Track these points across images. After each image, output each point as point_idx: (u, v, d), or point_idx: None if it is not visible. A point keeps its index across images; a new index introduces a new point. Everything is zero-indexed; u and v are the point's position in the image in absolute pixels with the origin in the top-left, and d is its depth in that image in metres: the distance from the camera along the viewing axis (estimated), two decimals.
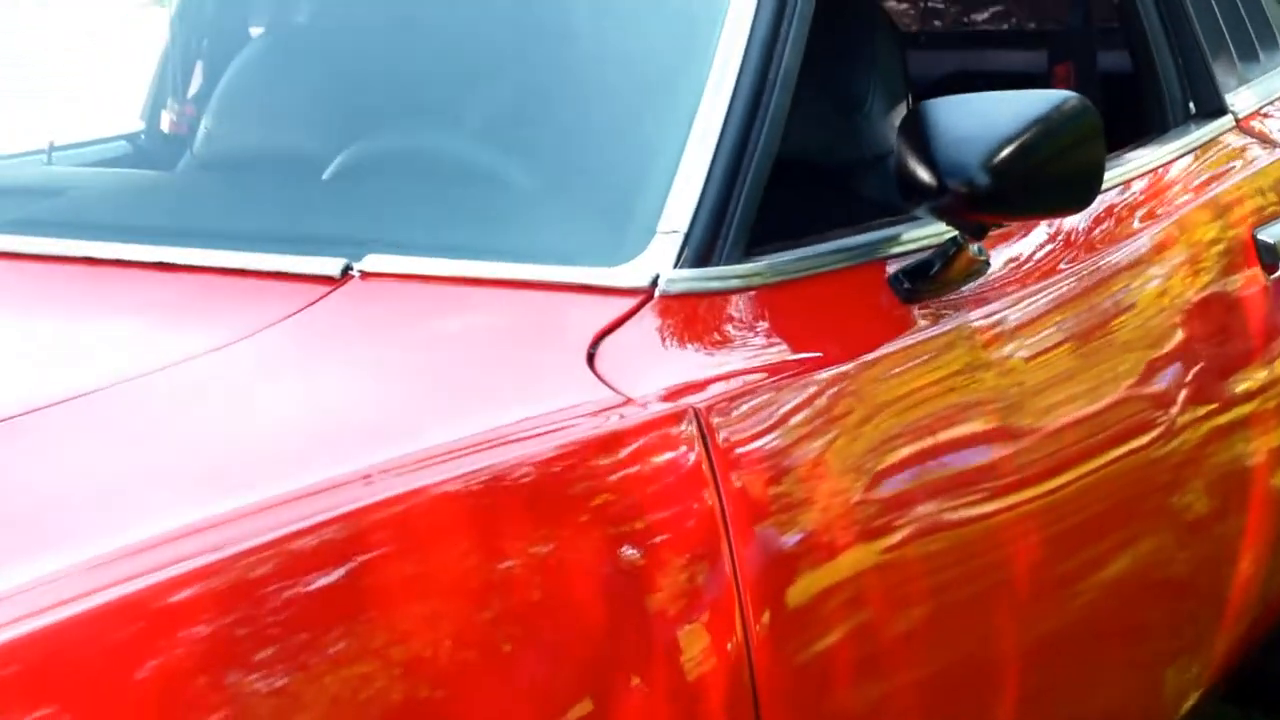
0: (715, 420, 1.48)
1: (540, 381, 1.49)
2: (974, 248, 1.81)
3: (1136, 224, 2.28)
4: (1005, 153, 1.70)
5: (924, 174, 1.71)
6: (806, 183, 2.36)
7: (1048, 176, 1.76)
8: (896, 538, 1.66)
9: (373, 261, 1.63)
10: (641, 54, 1.90)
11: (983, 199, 1.70)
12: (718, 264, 1.65)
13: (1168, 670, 2.30)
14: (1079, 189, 1.80)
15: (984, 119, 1.73)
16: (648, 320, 1.57)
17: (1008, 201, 1.73)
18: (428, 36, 2.05)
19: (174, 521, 1.18)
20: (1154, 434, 2.13)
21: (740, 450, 1.50)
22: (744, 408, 1.54)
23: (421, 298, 1.61)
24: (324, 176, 1.94)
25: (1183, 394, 2.21)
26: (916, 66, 2.98)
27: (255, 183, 1.99)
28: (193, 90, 2.53)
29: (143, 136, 2.66)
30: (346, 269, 1.62)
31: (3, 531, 1.19)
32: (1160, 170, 2.42)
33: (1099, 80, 2.72)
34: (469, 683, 1.23)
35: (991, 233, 1.89)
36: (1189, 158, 2.49)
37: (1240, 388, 2.36)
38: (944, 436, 1.75)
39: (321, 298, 1.59)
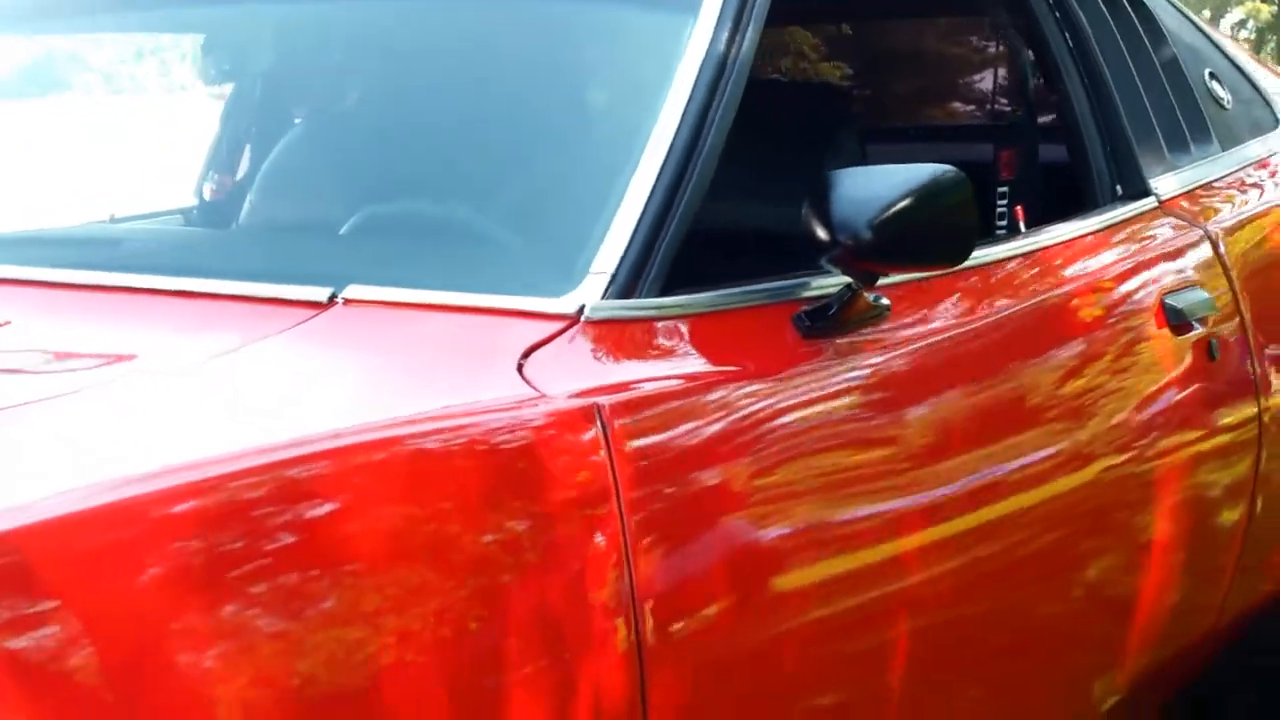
0: (617, 418, 1.80)
1: (475, 380, 1.82)
2: (870, 295, 2.12)
3: (1048, 285, 2.57)
4: (887, 213, 2.01)
5: (821, 230, 2.03)
6: (772, 251, 2.68)
7: (925, 235, 2.06)
8: (782, 544, 1.95)
9: (354, 290, 1.96)
10: (589, 127, 2.24)
11: (867, 251, 2.01)
12: (639, 298, 1.97)
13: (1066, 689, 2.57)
14: (954, 246, 2.11)
15: (873, 186, 2.04)
16: (573, 340, 1.90)
17: (889, 254, 2.04)
18: (411, 114, 2.43)
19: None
20: (1045, 478, 2.41)
21: (636, 443, 1.81)
22: (645, 412, 1.86)
23: (390, 318, 1.94)
24: (341, 232, 2.31)
25: (1081, 443, 2.49)
26: (877, 155, 3.30)
27: (276, 236, 2.36)
28: (242, 169, 2.92)
29: (194, 210, 3.05)
30: (332, 296, 1.96)
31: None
32: (1078, 240, 2.71)
33: (1040, 166, 3.02)
34: (359, 632, 1.54)
35: (900, 284, 2.21)
36: (1108, 231, 2.78)
37: (1144, 440, 2.64)
38: (830, 459, 2.05)
39: (310, 317, 1.93)
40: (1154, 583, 2.71)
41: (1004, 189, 2.97)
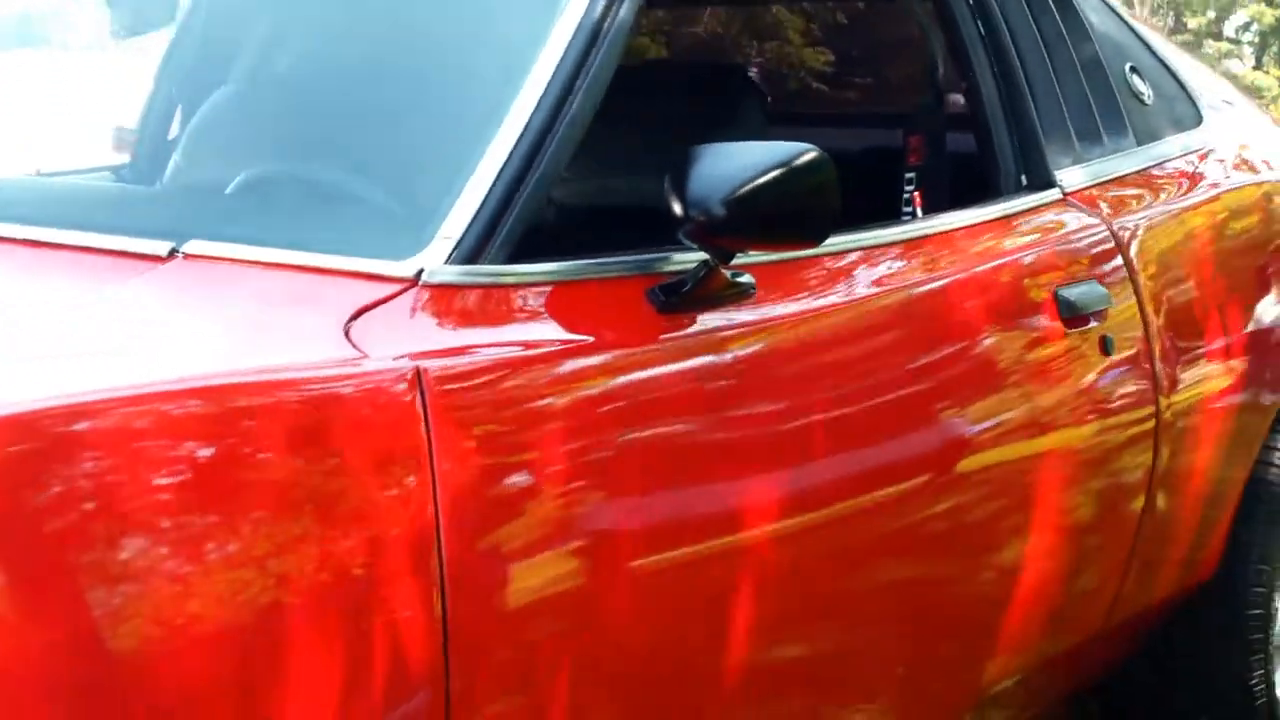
0: (439, 384, 1.78)
1: (298, 339, 1.79)
2: (730, 273, 2.09)
3: (933, 271, 2.54)
4: (742, 190, 1.98)
5: (677, 204, 2.00)
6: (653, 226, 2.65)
7: (780, 214, 2.04)
8: (610, 522, 1.93)
9: (194, 245, 1.94)
10: (457, 93, 2.22)
11: (720, 228, 1.99)
12: (483, 264, 1.94)
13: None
14: (811, 227, 2.08)
15: (732, 162, 2.01)
16: (406, 304, 1.87)
17: (743, 231, 2.01)
18: (295, 78, 2.45)
19: None
20: (915, 467, 2.38)
21: (457, 411, 1.79)
22: (471, 380, 1.83)
23: (227, 274, 1.92)
24: (226, 192, 2.30)
25: (959, 432, 2.46)
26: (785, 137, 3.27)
27: (141, 192, 2.35)
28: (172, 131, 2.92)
29: (124, 167, 3.03)
30: (173, 250, 1.94)
31: None
32: (973, 228, 2.68)
33: (948, 153, 2.99)
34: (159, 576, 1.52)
35: (773, 264, 2.18)
36: (1006, 221, 2.75)
37: (1029, 432, 2.60)
38: (670, 437, 2.02)
39: (149, 270, 1.91)
40: (1039, 574, 2.69)
41: (911, 174, 2.94)
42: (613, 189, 2.84)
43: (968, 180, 2.88)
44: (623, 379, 1.98)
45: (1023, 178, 2.84)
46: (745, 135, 2.75)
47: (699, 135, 2.76)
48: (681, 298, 2.05)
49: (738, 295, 2.12)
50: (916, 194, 2.76)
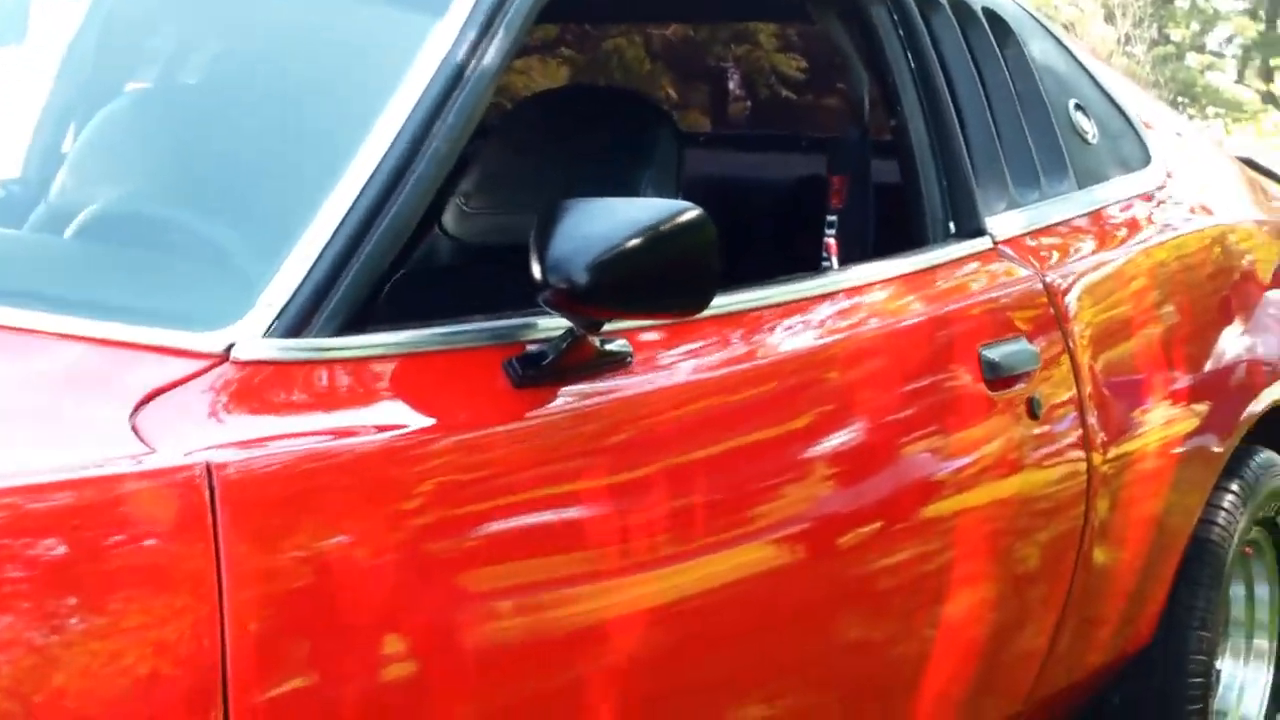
0: (234, 482, 1.52)
1: (75, 429, 1.54)
2: (598, 340, 1.85)
3: (843, 332, 2.30)
4: (608, 255, 1.74)
5: (536, 268, 1.76)
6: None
7: (652, 281, 1.80)
8: (432, 635, 1.68)
9: None
10: (302, 141, 1.97)
11: (583, 296, 1.74)
12: (310, 336, 1.69)
13: None
14: (688, 295, 1.84)
15: (598, 222, 1.77)
16: (208, 385, 1.61)
17: (609, 300, 1.77)
18: (151, 114, 2.18)
19: None
20: (819, 539, 2.16)
21: (253, 514, 1.53)
22: (275, 474, 1.57)
23: (17, 347, 1.67)
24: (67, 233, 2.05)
25: (862, 503, 2.24)
26: (707, 166, 3.03)
27: None
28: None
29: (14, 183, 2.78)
30: None
31: None
32: (892, 281, 2.44)
33: (873, 189, 2.75)
34: None
35: (663, 327, 1.94)
36: (929, 273, 2.51)
37: (945, 501, 2.38)
38: (530, 531, 1.78)
39: None
40: (957, 646, 2.46)
41: (833, 218, 2.70)
42: (514, 226, 2.60)
43: (889, 224, 2.64)
44: (469, 466, 1.73)
45: (951, 225, 2.60)
46: (658, 165, 2.54)
47: (607, 168, 2.54)
48: (541, 370, 1.81)
49: (610, 365, 1.88)
50: (832, 242, 2.51)
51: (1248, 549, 3.31)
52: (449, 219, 2.56)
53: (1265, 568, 3.41)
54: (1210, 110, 19.63)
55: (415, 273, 2.51)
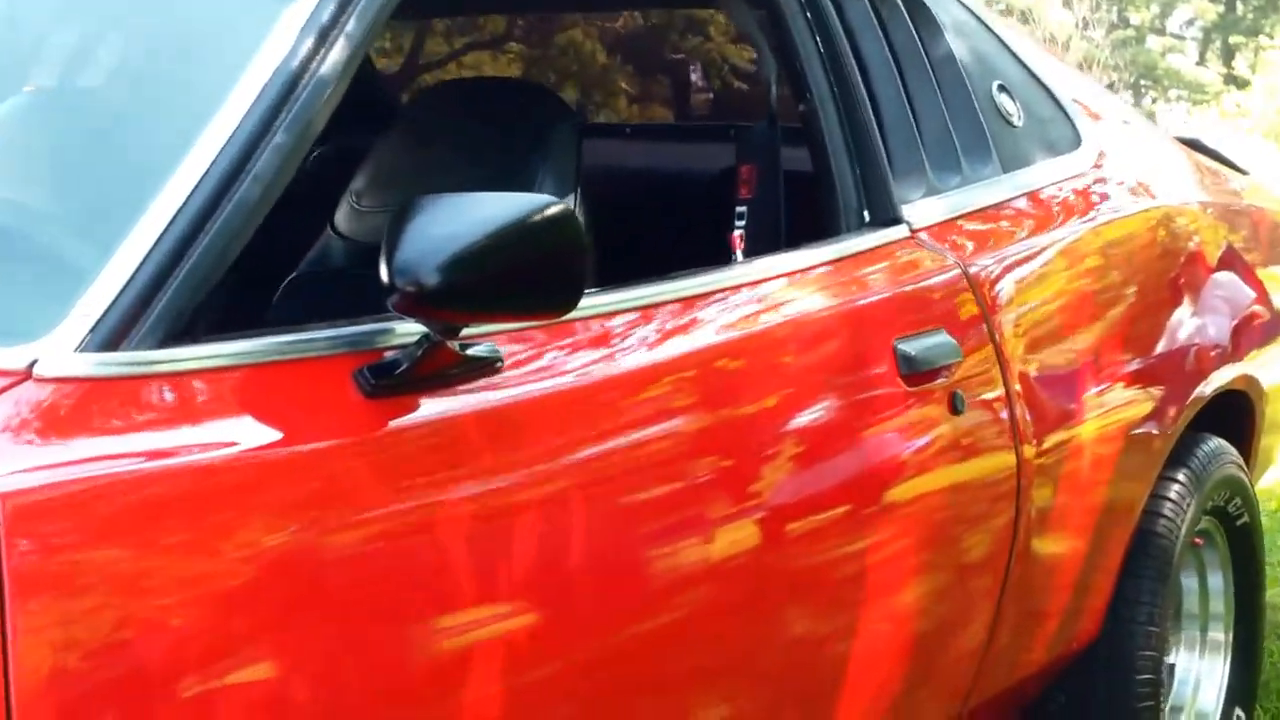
0: (24, 524, 1.37)
1: None
2: (458, 345, 1.71)
3: (744, 328, 2.17)
4: (460, 255, 1.61)
5: (384, 270, 1.62)
6: None
7: (510, 282, 1.66)
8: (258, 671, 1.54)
9: None
10: (125, 140, 1.82)
11: (433, 299, 1.60)
12: (129, 350, 1.55)
13: None
14: (550, 296, 1.70)
15: (451, 220, 1.63)
16: (9, 404, 1.46)
17: (462, 303, 1.63)
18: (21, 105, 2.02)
19: None
20: (726, 549, 2.02)
21: (53, 566, 1.39)
22: (79, 515, 1.43)
23: None
24: None
25: (771, 508, 2.10)
26: (613, 157, 2.90)
27: None
28: None
29: None
30: None
31: None
32: (800, 274, 2.31)
33: (783, 178, 2.61)
34: None
35: (544, 328, 1.80)
36: (840, 265, 2.38)
37: (877, 485, 2.24)
38: (378, 557, 1.63)
39: None
40: (880, 657, 2.33)
41: (742, 209, 2.56)
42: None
43: (802, 214, 2.50)
44: (309, 484, 1.59)
45: (865, 213, 2.46)
46: (555, 158, 2.40)
47: (501, 161, 2.41)
48: (395, 379, 1.67)
49: (476, 371, 1.74)
50: (736, 235, 2.37)
51: (1198, 539, 3.18)
52: (341, 218, 2.42)
53: (1219, 557, 3.28)
54: (1172, 93, 19.54)
55: (306, 275, 2.37)
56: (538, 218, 1.65)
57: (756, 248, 2.51)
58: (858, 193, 2.45)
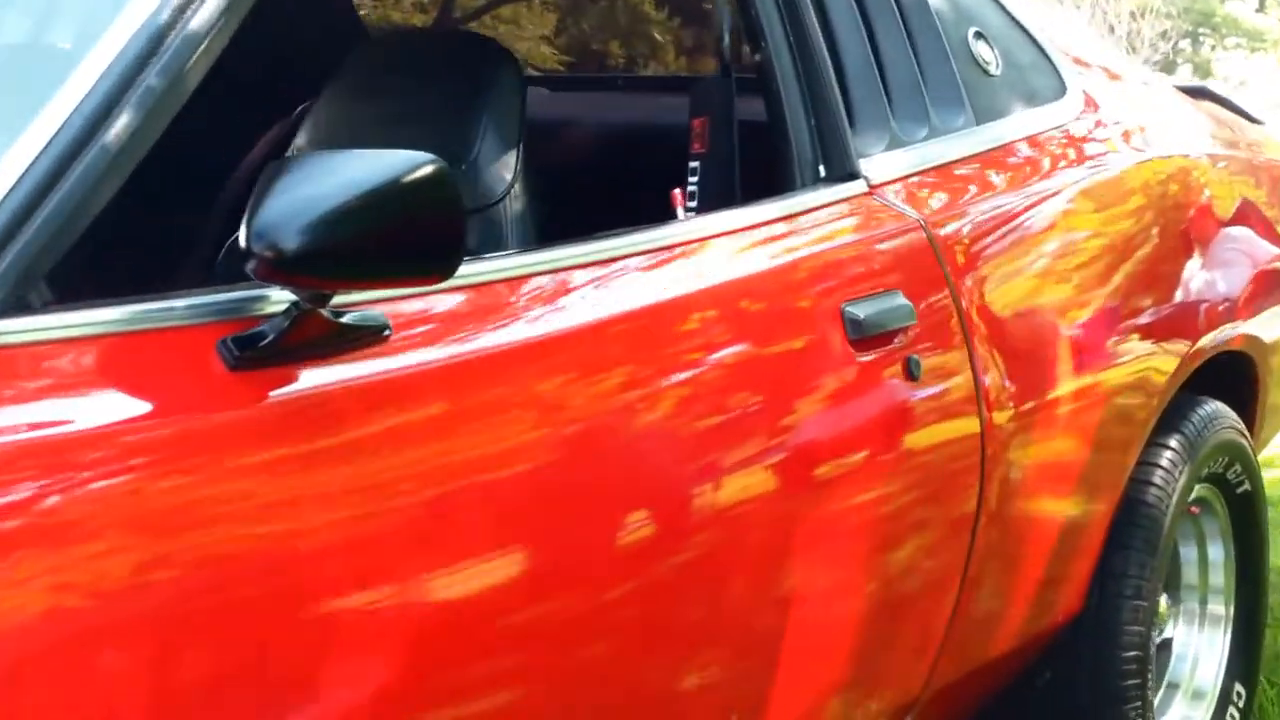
0: None
1: None
2: (330, 313, 1.59)
3: (674, 289, 2.04)
4: (324, 216, 1.49)
5: (242, 232, 1.50)
6: None
7: (381, 245, 1.54)
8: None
9: None
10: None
11: (292, 265, 1.48)
12: None
13: None
14: (425, 260, 1.58)
15: (318, 180, 1.51)
16: None
17: (325, 269, 1.51)
18: None
19: None
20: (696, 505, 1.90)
21: None
22: None
23: None
24: None
25: (710, 482, 1.98)
26: (560, 108, 2.78)
27: None
28: None
29: None
30: None
31: None
32: (745, 231, 2.18)
33: (738, 131, 2.47)
34: None
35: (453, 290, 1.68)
36: (789, 221, 2.24)
37: (820, 456, 2.12)
38: (237, 549, 1.51)
39: None
40: (823, 643, 2.21)
41: (695, 164, 2.43)
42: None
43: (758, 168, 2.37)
44: (158, 462, 1.47)
45: (820, 168, 2.32)
46: (496, 113, 2.28)
47: (441, 114, 2.29)
48: (260, 351, 1.55)
49: (358, 341, 1.62)
50: (677, 192, 2.23)
51: (1194, 508, 3.04)
52: None
53: (1219, 527, 3.14)
54: (1230, 40, 19.16)
55: None
56: (411, 178, 1.52)
57: (709, 204, 2.38)
58: (813, 146, 2.31)
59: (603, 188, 2.46)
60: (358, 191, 1.49)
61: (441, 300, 1.76)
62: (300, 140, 2.36)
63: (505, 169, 2.27)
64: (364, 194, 1.49)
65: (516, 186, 2.26)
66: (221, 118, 2.62)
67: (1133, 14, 20.40)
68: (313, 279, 1.50)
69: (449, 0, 4.04)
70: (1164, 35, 20.56)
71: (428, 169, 1.53)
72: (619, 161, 2.72)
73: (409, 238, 1.53)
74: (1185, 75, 21.81)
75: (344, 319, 1.58)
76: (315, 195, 1.48)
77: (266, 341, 1.54)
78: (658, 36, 4.12)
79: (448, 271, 1.58)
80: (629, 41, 4.21)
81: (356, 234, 1.49)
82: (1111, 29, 20.07)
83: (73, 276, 1.56)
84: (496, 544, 1.70)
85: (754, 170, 2.39)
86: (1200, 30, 18.65)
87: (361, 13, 4.24)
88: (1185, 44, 21.35)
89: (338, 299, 1.60)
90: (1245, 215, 3.16)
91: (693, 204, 2.39)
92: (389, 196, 1.50)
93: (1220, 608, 3.11)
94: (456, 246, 1.56)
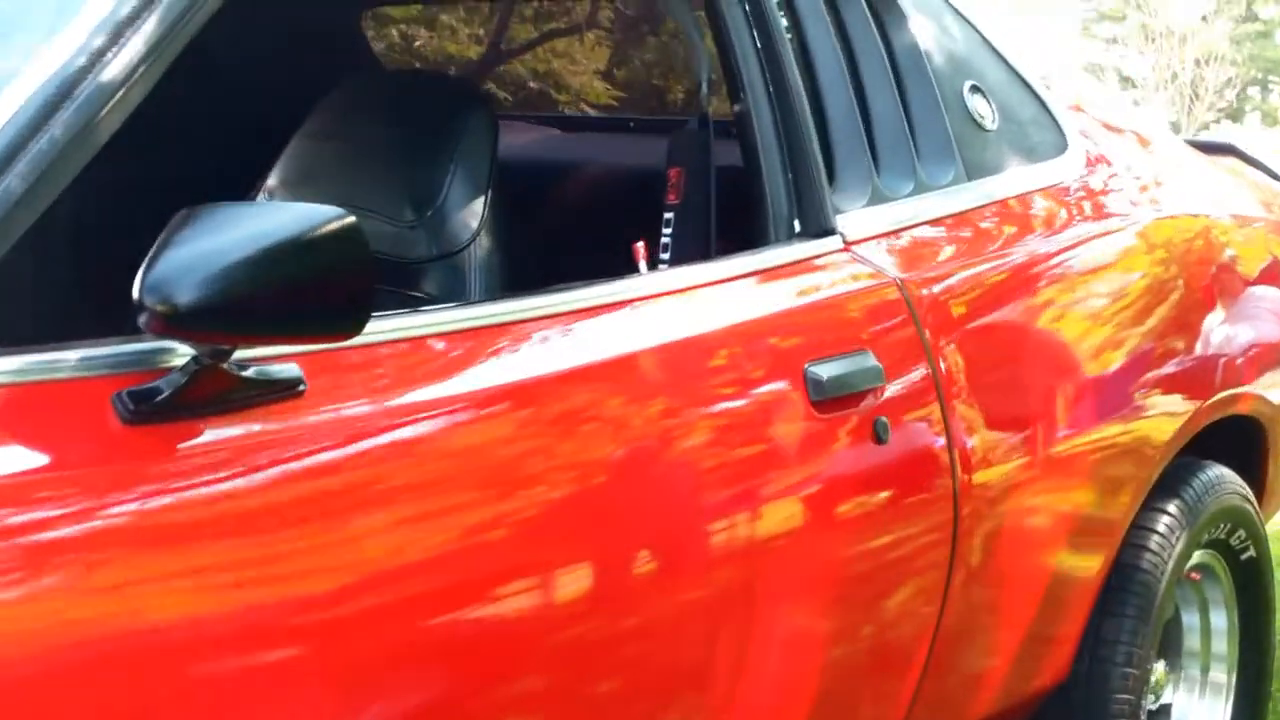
0: None
1: None
2: (235, 368, 1.55)
3: (636, 346, 1.98)
4: (222, 271, 1.44)
5: (135, 285, 1.46)
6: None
7: (286, 301, 1.49)
8: None
9: None
10: None
11: (184, 320, 1.44)
12: None
13: None
14: (332, 317, 1.53)
15: (220, 232, 1.47)
16: None
17: (221, 325, 1.47)
18: None
19: None
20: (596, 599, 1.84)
21: None
22: None
23: None
24: None
25: (668, 540, 1.92)
26: (549, 150, 2.74)
27: None
28: None
29: None
30: None
31: None
32: (707, 288, 2.12)
33: (715, 178, 2.42)
34: None
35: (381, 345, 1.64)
36: (757, 278, 2.19)
37: (774, 519, 2.05)
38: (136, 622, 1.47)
39: None
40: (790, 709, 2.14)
41: (669, 215, 2.38)
42: None
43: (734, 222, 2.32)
44: (45, 518, 1.43)
45: (795, 223, 2.26)
46: (466, 156, 2.24)
47: (413, 157, 2.25)
48: (157, 405, 1.50)
49: (268, 396, 1.57)
50: (639, 246, 2.18)
51: (1194, 574, 2.96)
52: None
53: (1222, 594, 3.06)
54: None
55: None
56: (317, 232, 1.48)
57: (682, 255, 2.33)
58: (789, 201, 2.25)
59: (575, 231, 2.41)
60: (260, 246, 1.45)
61: (375, 352, 1.72)
62: (271, 181, 2.33)
63: (472, 216, 2.23)
64: (267, 248, 1.45)
65: (483, 234, 2.22)
66: (235, 156, 2.60)
67: (1197, 61, 20.14)
68: (208, 334, 1.46)
69: (500, 33, 4.02)
70: (1229, 83, 20.28)
71: (336, 223, 1.48)
72: (593, 204, 2.67)
73: (313, 294, 1.49)
74: (1254, 122, 21.54)
75: (248, 373, 1.53)
76: (215, 248, 1.44)
77: (162, 397, 1.49)
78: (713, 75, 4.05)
79: (354, 329, 1.54)
80: (686, 77, 4.15)
81: (256, 289, 1.45)
82: (1175, 76, 19.86)
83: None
84: (406, 614, 1.64)
85: (738, 218, 2.34)
86: (1270, 77, 18.42)
87: (417, 43, 4.24)
88: (1255, 91, 21.06)
89: (265, 350, 1.56)
90: (1255, 277, 3.08)
91: (665, 255, 2.34)
92: (292, 251, 1.46)
93: (1222, 675, 3.03)
94: (364, 304, 1.52)
